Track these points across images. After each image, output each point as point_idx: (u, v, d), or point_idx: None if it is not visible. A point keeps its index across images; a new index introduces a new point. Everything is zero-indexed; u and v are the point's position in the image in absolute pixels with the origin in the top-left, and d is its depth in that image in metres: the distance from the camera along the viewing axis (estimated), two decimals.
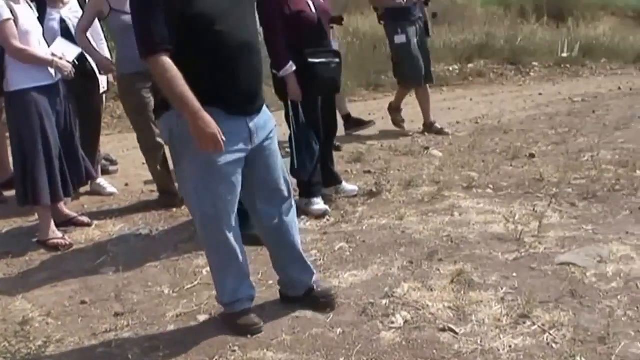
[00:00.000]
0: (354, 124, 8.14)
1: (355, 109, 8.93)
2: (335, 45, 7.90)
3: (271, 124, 3.56)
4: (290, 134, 5.28)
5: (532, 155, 6.81)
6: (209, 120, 3.12)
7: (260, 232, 3.79)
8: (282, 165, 3.65)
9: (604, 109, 9.22)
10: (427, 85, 8.11)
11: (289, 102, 5.20)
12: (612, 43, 16.60)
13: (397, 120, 8.25)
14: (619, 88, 11.23)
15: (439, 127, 8.07)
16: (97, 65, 5.64)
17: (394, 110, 8.25)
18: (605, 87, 11.40)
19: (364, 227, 5.04)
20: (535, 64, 14.14)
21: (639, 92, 10.63)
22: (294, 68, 5.07)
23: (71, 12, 5.62)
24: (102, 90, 5.99)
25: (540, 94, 10.85)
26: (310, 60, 5.12)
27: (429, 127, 8.12)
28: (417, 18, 7.82)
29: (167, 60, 3.07)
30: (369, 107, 10.02)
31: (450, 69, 12.30)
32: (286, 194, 3.66)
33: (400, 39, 7.68)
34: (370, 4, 8.13)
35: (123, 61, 5.34)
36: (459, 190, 5.76)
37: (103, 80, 5.92)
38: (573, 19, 21.36)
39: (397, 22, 7.69)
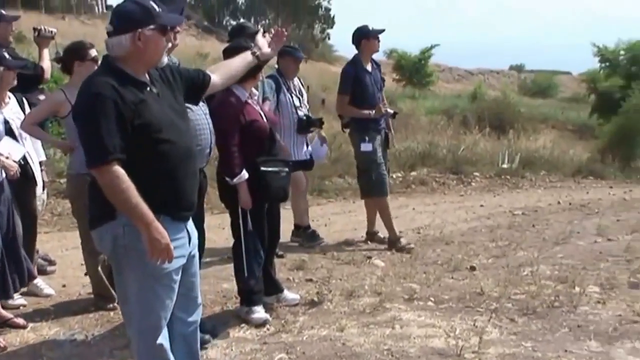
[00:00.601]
0: (307, 238, 8.02)
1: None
2: (324, 149, 8.03)
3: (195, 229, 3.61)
4: (239, 241, 5.27)
5: (472, 268, 6.88)
6: (163, 231, 3.13)
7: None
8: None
9: (543, 223, 9.40)
10: None
11: (239, 210, 5.22)
12: (551, 156, 17.07)
13: (379, 240, 8.14)
14: (559, 202, 11.48)
15: (382, 236, 8.09)
16: (59, 147, 5.58)
17: (373, 235, 8.20)
18: (545, 201, 11.65)
19: (304, 338, 4.98)
20: (477, 174, 14.44)
21: (577, 207, 10.86)
22: (246, 176, 5.12)
23: (12, 113, 5.57)
24: (38, 193, 5.91)
25: (481, 206, 11.04)
26: (262, 168, 5.17)
27: (371, 236, 8.15)
28: (382, 128, 7.96)
29: (120, 170, 3.08)
30: (312, 212, 10.05)
31: (394, 176, 12.44)
32: (200, 301, 3.70)
33: (366, 147, 7.73)
34: (337, 111, 8.16)
35: (78, 161, 5.29)
36: (400, 302, 5.76)
37: (39, 183, 5.85)
38: (514, 131, 22.02)
39: (365, 131, 7.76)
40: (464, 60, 64.76)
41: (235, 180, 5.13)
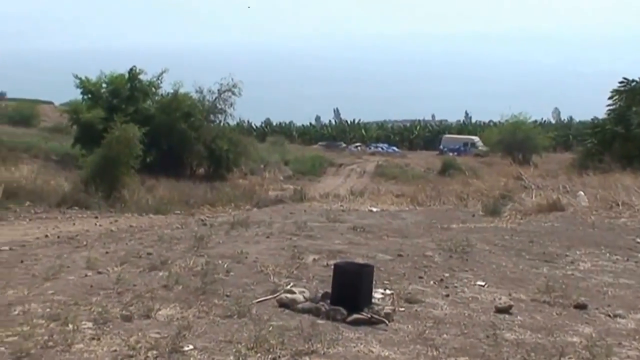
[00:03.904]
0: None
1: None
2: None
3: None
4: None
5: None
6: None
7: None
8: None
9: (32, 259, 9.20)
10: None
11: None
12: (35, 186, 16.86)
13: None
14: (47, 235, 11.33)
15: None
16: None
17: None
18: (32, 234, 11.43)
19: None
20: None
21: (66, 240, 10.83)
22: None
23: None
24: None
25: None
26: None
27: None
28: None
29: None
30: None
31: None
32: None
33: None
34: None
35: None
36: None
37: None
38: None
39: None
40: None
41: None
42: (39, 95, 72.00)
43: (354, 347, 5.75)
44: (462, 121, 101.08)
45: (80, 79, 35.26)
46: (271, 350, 5.43)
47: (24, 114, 53.03)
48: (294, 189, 28.43)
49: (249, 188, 30.56)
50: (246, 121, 74.30)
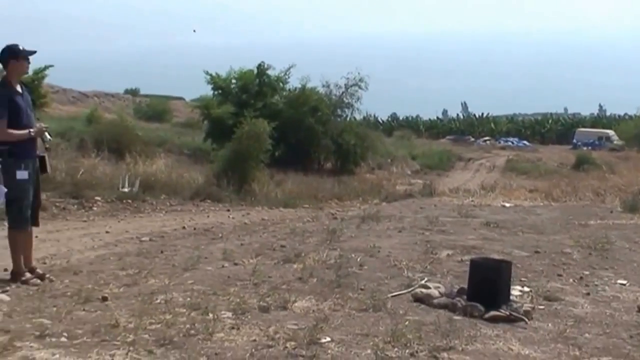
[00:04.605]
0: None
1: None
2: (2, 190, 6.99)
3: None
4: None
5: (104, 299, 6.66)
6: None
7: None
8: None
9: (171, 249, 9.47)
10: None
11: None
12: (169, 179, 17.35)
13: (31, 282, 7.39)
14: (184, 227, 11.65)
15: (41, 272, 7.55)
16: None
17: (20, 275, 7.42)
18: (170, 226, 11.77)
19: None
20: (98, 198, 14.18)
21: (202, 232, 11.11)
22: None
23: None
24: None
25: (107, 232, 10.82)
26: None
27: (15, 276, 7.42)
28: (37, 154, 7.41)
29: None
30: None
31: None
32: None
33: (22, 174, 7.14)
34: None
35: None
36: (31, 339, 5.35)
37: None
38: (132, 155, 22.04)
39: (21, 158, 7.16)
40: (77, 82, 63.21)
41: None
42: (170, 92, 74.40)
43: (493, 344, 5.61)
44: (595, 114, 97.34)
45: (210, 75, 36.18)
46: (408, 345, 5.37)
47: (157, 109, 54.77)
48: (423, 184, 28.22)
49: (376, 182, 30.53)
50: (373, 115, 74.17)
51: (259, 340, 5.43)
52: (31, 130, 7.27)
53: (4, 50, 7.31)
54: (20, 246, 7.48)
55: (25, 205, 7.35)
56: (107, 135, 25.41)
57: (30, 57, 7.46)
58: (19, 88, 7.38)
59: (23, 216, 7.38)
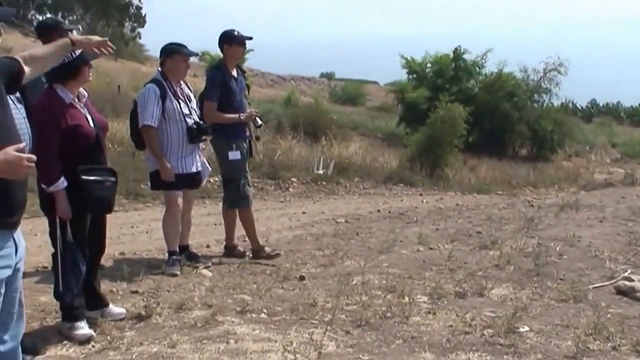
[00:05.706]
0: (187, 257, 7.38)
1: (115, 220, 8.49)
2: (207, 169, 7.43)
3: (23, 239, 3.31)
4: (56, 253, 4.87)
5: (302, 278, 6.79)
6: None
7: None
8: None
9: (367, 232, 9.52)
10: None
11: (57, 220, 4.83)
12: (363, 163, 17.46)
13: (240, 254, 7.79)
14: (379, 210, 11.68)
15: (242, 250, 7.83)
16: None
17: (232, 249, 7.82)
18: (365, 209, 11.83)
19: (134, 356, 4.67)
20: (294, 179, 14.49)
21: (397, 216, 11.09)
22: (65, 184, 4.74)
23: None
24: None
25: (303, 212, 11.04)
26: (84, 177, 4.81)
27: (231, 250, 7.81)
28: (247, 136, 7.70)
29: None
30: (130, 218, 9.63)
31: (212, 180, 12.19)
32: (22, 319, 3.45)
33: (235, 155, 7.47)
34: (205, 119, 7.26)
35: None
36: (232, 314, 5.55)
37: None
38: (327, 138, 22.39)
39: (232, 139, 7.47)
40: (275, 66, 65.17)
41: (51, 188, 4.80)
42: (364, 76, 74.94)
43: None
44: None
45: (406, 59, 36.08)
46: (610, 338, 5.09)
47: (351, 93, 55.30)
48: (625, 173, 26.73)
49: (573, 170, 29.22)
50: (571, 102, 71.17)
51: (456, 326, 5.33)
52: (242, 115, 7.50)
53: (220, 36, 7.59)
54: (250, 223, 7.74)
55: (243, 184, 7.59)
56: (303, 118, 25.92)
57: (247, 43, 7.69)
58: (234, 72, 7.63)
59: (242, 194, 7.60)
